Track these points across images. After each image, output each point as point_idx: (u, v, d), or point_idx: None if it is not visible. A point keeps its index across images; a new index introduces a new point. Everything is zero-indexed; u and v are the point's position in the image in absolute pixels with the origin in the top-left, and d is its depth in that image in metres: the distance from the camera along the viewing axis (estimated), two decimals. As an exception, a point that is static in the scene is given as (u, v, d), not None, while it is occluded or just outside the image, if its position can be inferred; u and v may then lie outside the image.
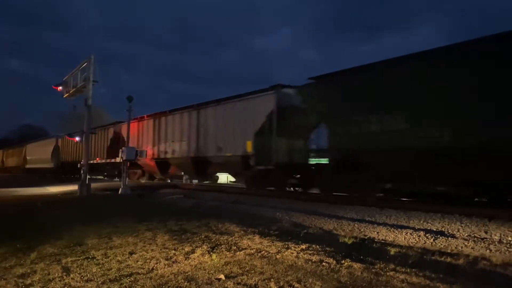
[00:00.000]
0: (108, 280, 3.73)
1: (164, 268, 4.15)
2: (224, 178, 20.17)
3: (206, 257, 4.57)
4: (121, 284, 3.63)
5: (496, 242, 5.29)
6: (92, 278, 3.81)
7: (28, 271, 4.14)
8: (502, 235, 5.64)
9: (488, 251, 4.89)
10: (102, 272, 4.02)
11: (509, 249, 4.90)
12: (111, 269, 4.12)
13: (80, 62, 16.21)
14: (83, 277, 3.85)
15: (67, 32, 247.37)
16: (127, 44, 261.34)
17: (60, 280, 3.79)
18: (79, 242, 5.51)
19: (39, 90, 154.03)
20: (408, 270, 3.93)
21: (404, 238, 5.73)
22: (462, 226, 6.35)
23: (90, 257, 4.67)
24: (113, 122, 24.61)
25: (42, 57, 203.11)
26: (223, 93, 56.92)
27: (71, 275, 3.93)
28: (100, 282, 3.69)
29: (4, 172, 50.22)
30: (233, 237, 5.71)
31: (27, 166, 40.24)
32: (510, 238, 5.46)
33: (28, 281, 3.80)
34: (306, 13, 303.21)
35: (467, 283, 3.59)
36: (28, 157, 40.04)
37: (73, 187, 15.30)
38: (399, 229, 6.25)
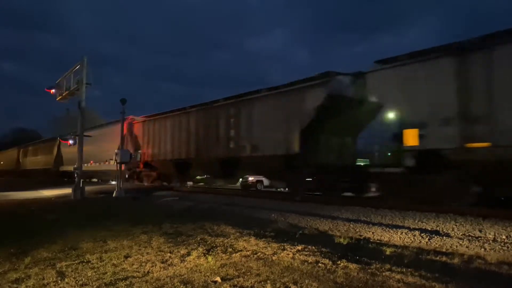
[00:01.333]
0: (103, 284, 3.71)
1: (159, 271, 4.13)
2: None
3: (202, 259, 4.56)
4: (117, 288, 3.61)
5: (491, 241, 5.32)
6: (87, 283, 3.78)
7: (22, 276, 4.10)
8: (496, 234, 5.68)
9: (482, 250, 4.93)
10: (97, 276, 3.99)
11: (503, 248, 4.94)
12: (106, 273, 4.09)
13: (73, 64, 16.14)
14: (78, 282, 3.82)
15: (59, 34, 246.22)
16: (118, 46, 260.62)
17: (54, 285, 3.76)
18: (73, 246, 5.47)
19: (32, 93, 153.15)
20: (404, 270, 3.95)
21: (400, 238, 5.75)
22: (456, 225, 6.39)
23: (85, 261, 4.63)
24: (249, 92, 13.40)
25: (34, 60, 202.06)
26: (217, 94, 56.88)
27: (66, 280, 3.90)
28: (95, 286, 3.66)
29: (22, 176, 37.09)
30: (229, 239, 5.70)
31: (63, 168, 28.93)
32: (504, 237, 5.50)
33: (23, 286, 3.76)
34: (299, 14, 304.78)
35: (462, 282, 3.61)
36: (64, 156, 29.13)
37: (67, 191, 15.17)
38: (394, 229, 6.28)
